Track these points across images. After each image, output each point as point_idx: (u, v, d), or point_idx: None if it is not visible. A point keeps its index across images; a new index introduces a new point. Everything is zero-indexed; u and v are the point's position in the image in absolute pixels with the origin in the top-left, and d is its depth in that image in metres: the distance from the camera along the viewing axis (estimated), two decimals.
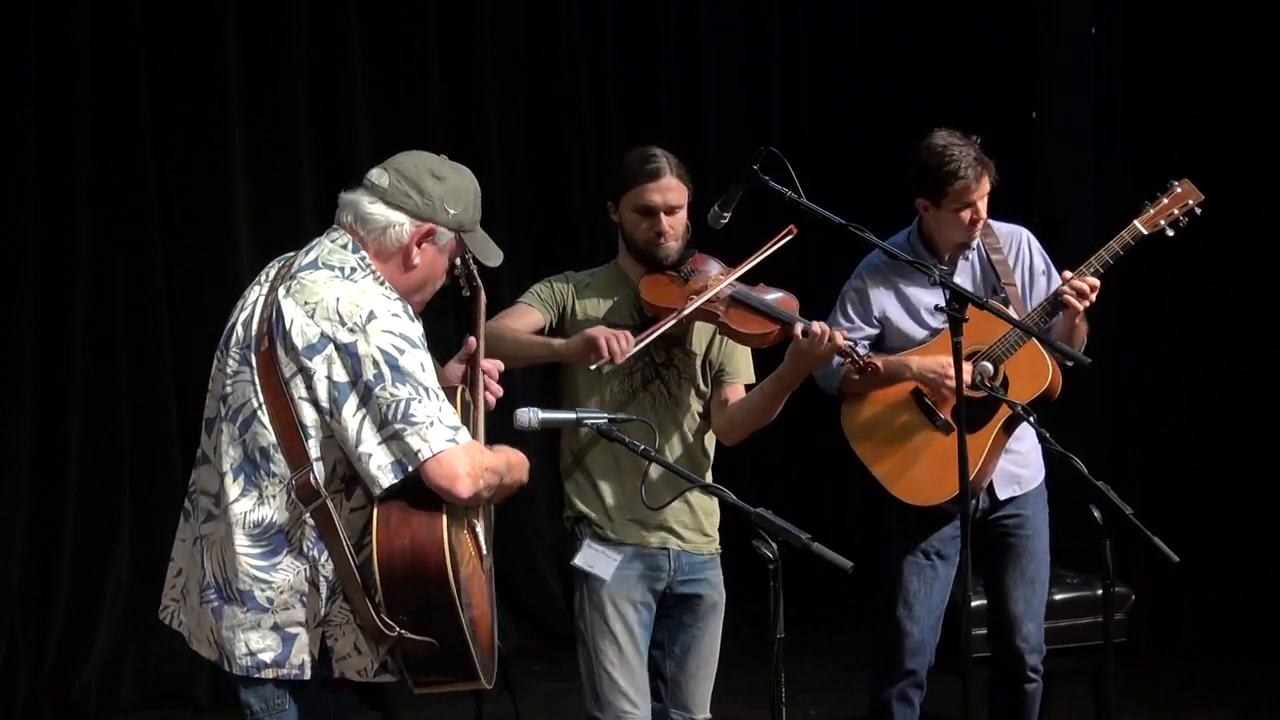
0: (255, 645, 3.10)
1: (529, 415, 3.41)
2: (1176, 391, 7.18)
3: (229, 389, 3.13)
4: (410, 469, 2.99)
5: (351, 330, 3.02)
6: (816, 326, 4.01)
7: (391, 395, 2.99)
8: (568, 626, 6.98)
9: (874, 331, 4.63)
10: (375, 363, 3.00)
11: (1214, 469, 7.25)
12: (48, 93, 6.21)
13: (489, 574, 3.35)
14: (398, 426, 2.99)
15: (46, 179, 6.24)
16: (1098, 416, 7.05)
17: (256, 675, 3.11)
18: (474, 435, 3.33)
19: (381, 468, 2.99)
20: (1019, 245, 4.68)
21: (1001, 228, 4.69)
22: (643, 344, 3.97)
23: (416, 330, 3.09)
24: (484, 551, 3.30)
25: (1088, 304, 4.39)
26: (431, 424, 2.99)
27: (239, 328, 3.16)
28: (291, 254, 3.26)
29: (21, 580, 6.17)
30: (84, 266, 6.31)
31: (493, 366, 3.57)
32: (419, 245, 3.20)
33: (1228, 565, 7.16)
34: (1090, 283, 4.39)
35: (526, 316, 4.10)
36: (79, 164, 6.29)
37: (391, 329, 3.03)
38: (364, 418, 3.00)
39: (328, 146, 6.78)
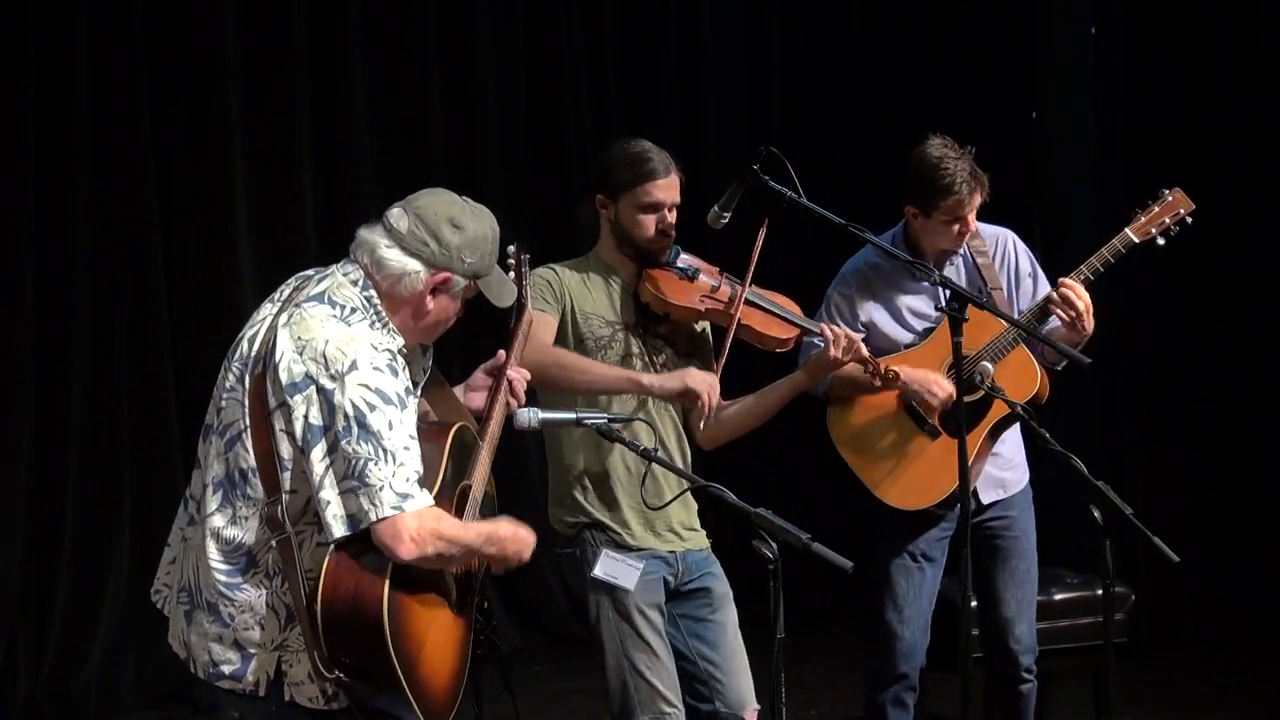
0: (217, 656, 3.16)
1: (529, 415, 3.41)
2: (1176, 391, 7.18)
3: (224, 403, 3.17)
4: (360, 525, 3.03)
5: (333, 377, 3.04)
6: (846, 333, 4.03)
7: (354, 452, 3.02)
8: (568, 626, 7.08)
9: (859, 337, 4.61)
10: (346, 415, 3.03)
11: (1214, 469, 7.25)
12: (48, 94, 6.20)
13: (467, 621, 3.35)
14: (353, 483, 3.02)
15: (47, 180, 6.23)
16: (1097, 416, 7.05)
17: (216, 684, 3.17)
18: (480, 454, 3.35)
19: (336, 518, 3.04)
20: (1004, 247, 4.65)
21: (986, 229, 4.65)
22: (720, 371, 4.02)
23: (397, 385, 3.09)
24: (453, 598, 3.28)
25: (1074, 313, 4.38)
26: (381, 488, 3.02)
27: (244, 343, 3.19)
28: (310, 273, 3.27)
29: (21, 580, 6.16)
30: (84, 267, 6.30)
31: (519, 376, 3.57)
32: (432, 293, 3.21)
33: (1228, 565, 7.16)
34: (1075, 290, 4.37)
35: (550, 327, 4.02)
36: (79, 165, 6.28)
37: (368, 383, 3.05)
38: (328, 466, 3.04)
39: (328, 148, 6.78)
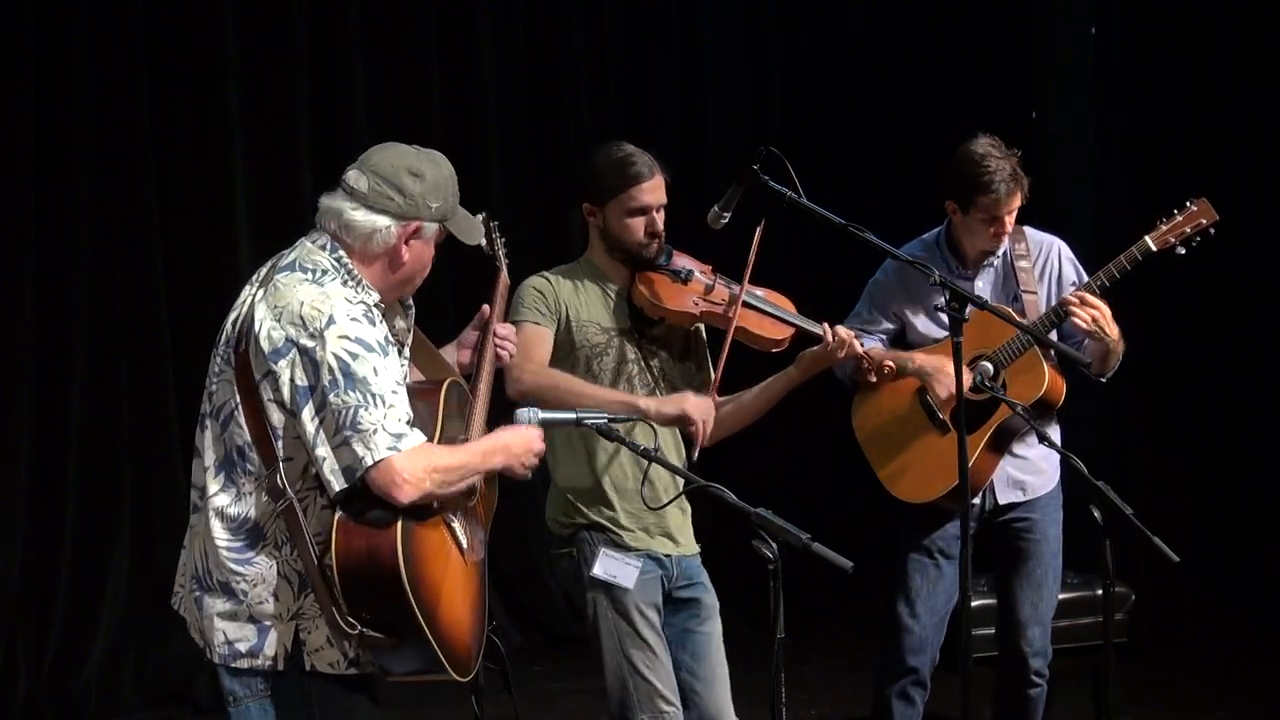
0: (232, 635, 3.17)
1: (529, 415, 3.41)
2: (1178, 392, 7.18)
3: (214, 387, 3.21)
4: (358, 475, 3.05)
5: (313, 335, 3.08)
6: (842, 332, 4.04)
7: (342, 402, 3.05)
8: (568, 627, 7.08)
9: (891, 326, 4.67)
10: (330, 369, 3.06)
11: (1215, 469, 7.25)
12: (48, 94, 6.20)
13: (478, 569, 3.36)
14: (346, 433, 3.05)
15: (47, 180, 6.23)
16: (1100, 417, 7.04)
17: (233, 664, 3.17)
18: (475, 407, 3.38)
19: (335, 472, 3.06)
20: (1049, 255, 4.68)
21: (1034, 235, 4.70)
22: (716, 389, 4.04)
23: (376, 334, 3.13)
24: (464, 546, 3.30)
25: (1087, 319, 4.39)
26: (375, 431, 3.04)
27: (228, 326, 3.23)
28: (282, 252, 3.31)
29: (21, 580, 6.16)
30: (84, 267, 6.30)
31: (506, 331, 3.61)
32: (406, 243, 3.24)
33: (1228, 565, 7.16)
34: (1086, 297, 4.40)
35: (546, 342, 4.03)
36: (79, 165, 6.29)
37: (348, 334, 3.08)
38: (319, 423, 3.06)
39: (328, 147, 6.77)
